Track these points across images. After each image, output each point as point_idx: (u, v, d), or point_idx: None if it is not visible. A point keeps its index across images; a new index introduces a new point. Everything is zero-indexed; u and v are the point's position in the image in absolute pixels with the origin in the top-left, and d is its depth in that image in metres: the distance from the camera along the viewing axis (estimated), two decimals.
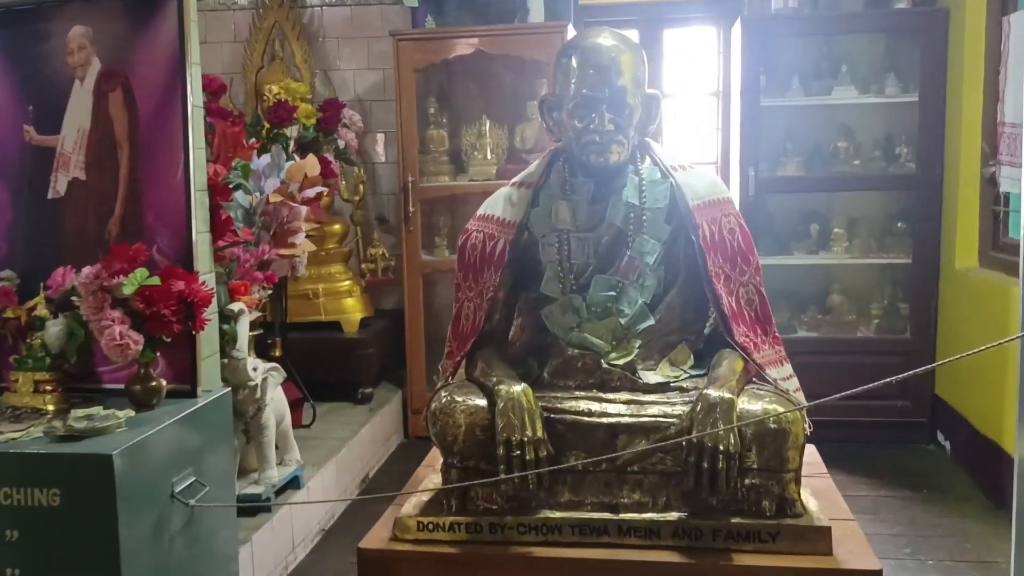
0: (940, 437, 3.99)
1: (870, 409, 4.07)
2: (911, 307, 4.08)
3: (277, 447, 2.94)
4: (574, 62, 2.08)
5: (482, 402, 1.98)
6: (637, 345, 2.10)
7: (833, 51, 4.15)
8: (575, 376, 2.09)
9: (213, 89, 3.57)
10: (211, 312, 2.13)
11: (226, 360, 2.63)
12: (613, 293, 2.09)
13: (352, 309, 4.22)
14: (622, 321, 2.09)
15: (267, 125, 3.52)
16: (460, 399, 2.00)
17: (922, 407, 4.07)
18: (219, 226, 2.47)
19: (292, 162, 3.31)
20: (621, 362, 2.09)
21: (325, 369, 4.06)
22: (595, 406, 2.00)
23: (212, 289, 2.12)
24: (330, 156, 3.76)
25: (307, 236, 3.70)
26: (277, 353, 3.79)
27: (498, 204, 2.22)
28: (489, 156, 4.29)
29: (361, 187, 4.42)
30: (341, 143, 3.87)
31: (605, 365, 2.06)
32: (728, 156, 4.44)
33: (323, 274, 4.24)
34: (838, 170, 4.12)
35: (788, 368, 2.18)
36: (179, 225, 2.17)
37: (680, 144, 4.58)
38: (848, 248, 4.14)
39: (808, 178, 4.13)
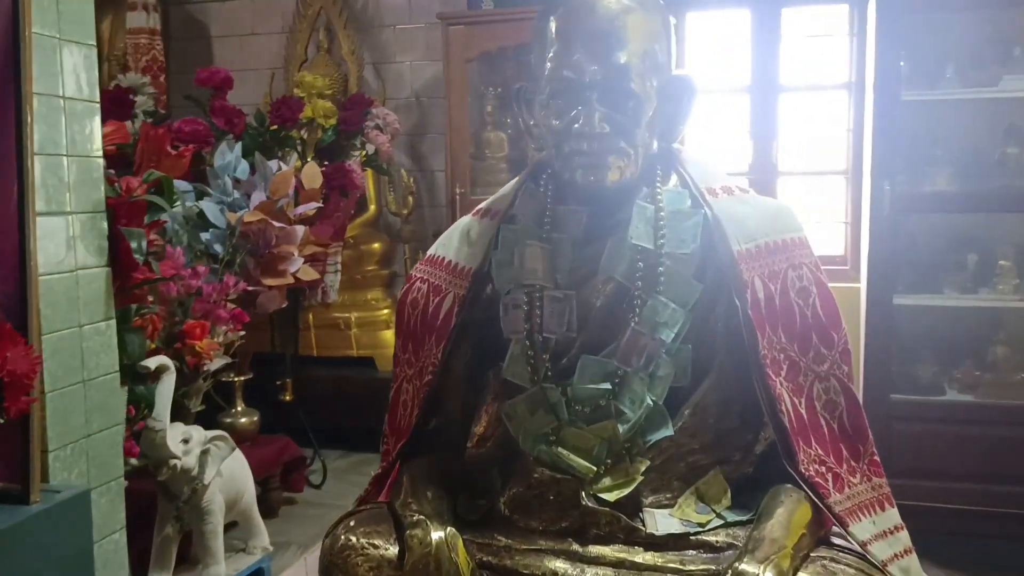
0: None
1: None
2: None
3: (234, 533, 2.33)
4: (552, 28, 1.35)
5: (391, 551, 1.30)
6: (643, 469, 1.35)
7: (1002, 29, 3.17)
8: (543, 512, 1.37)
9: (217, 83, 3.02)
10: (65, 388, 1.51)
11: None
12: (608, 386, 1.34)
13: (390, 343, 3.58)
14: (622, 429, 1.34)
15: (250, 126, 2.93)
16: (360, 543, 1.31)
17: None
18: (121, 258, 1.87)
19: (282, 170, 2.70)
20: (615, 496, 1.35)
21: (352, 414, 3.45)
22: (566, 569, 1.28)
23: (37, 358, 1.51)
24: (354, 163, 3.13)
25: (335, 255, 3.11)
26: (287, 396, 3.20)
27: (451, 241, 1.51)
28: None
29: (411, 199, 3.78)
30: (370, 147, 3.24)
31: (587, 502, 1.32)
32: (861, 165, 3.52)
33: (358, 301, 3.63)
34: (1004, 184, 3.13)
35: (892, 515, 1.37)
36: (11, 261, 1.57)
37: (802, 149, 3.70)
38: (1018, 287, 3.15)
39: (963, 194, 3.16)
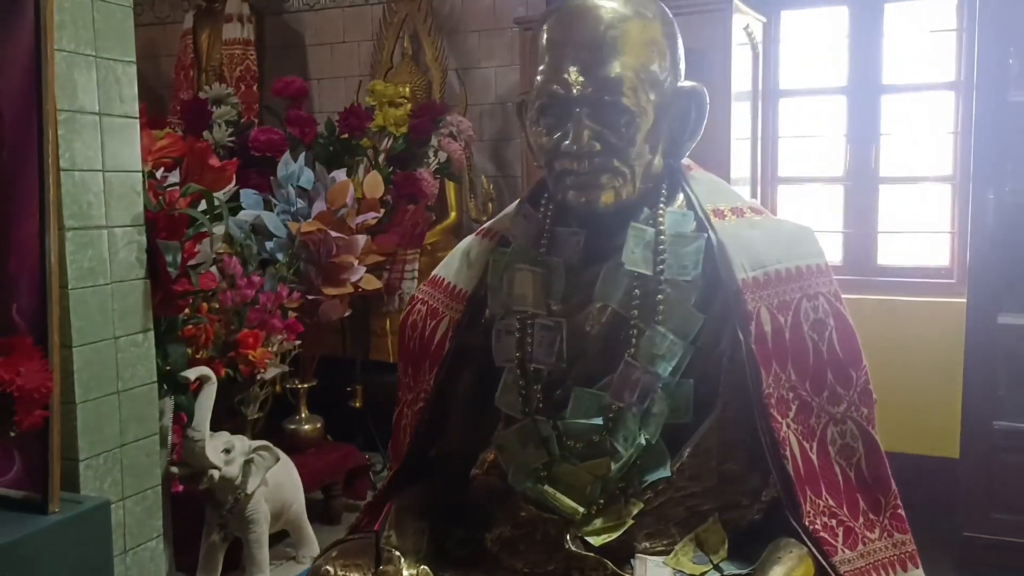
0: None
1: None
2: None
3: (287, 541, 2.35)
4: (544, 38, 1.27)
5: None
6: (636, 512, 1.26)
7: None
8: (529, 553, 1.30)
9: (291, 93, 3.07)
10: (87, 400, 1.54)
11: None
12: (599, 421, 1.26)
13: None
14: (615, 468, 1.25)
15: (321, 135, 2.94)
16: (338, 574, 1.27)
17: None
18: (160, 272, 1.90)
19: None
20: (602, 540, 1.26)
21: None
22: None
23: (49, 374, 1.54)
24: (425, 171, 3.11)
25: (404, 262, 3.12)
26: (357, 403, 3.22)
27: (453, 262, 1.46)
28: None
29: (491, 204, 3.73)
30: (442, 155, 3.22)
31: (572, 546, 1.24)
32: (969, 171, 3.25)
33: None
34: None
35: None
36: (35, 275, 1.61)
37: (905, 153, 3.44)
38: None
39: None
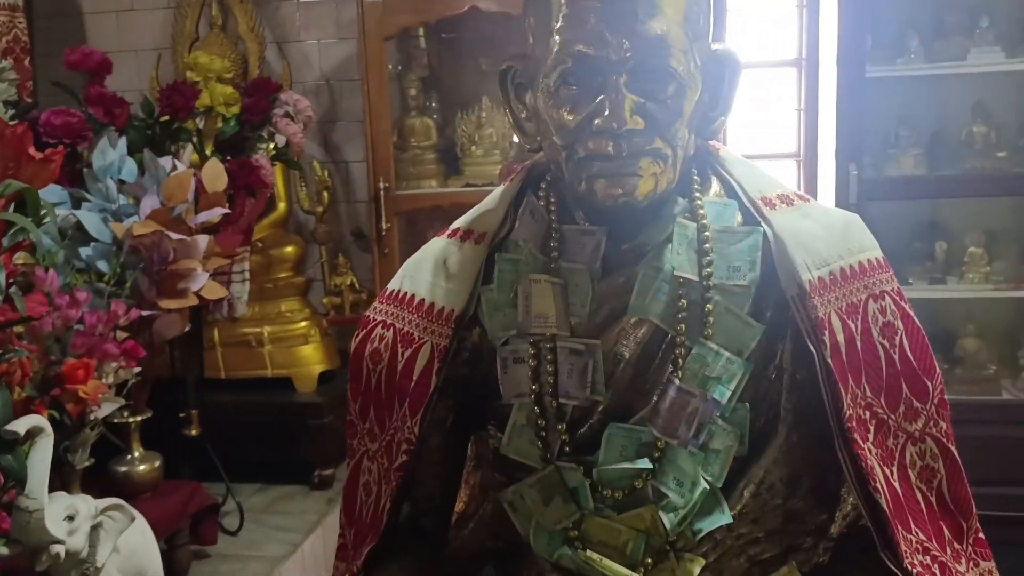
0: None
1: (1020, 500, 2.92)
2: None
3: None
4: None
5: None
6: (696, 572, 1.02)
7: None
8: None
9: (92, 67, 2.54)
10: None
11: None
12: (647, 463, 1.01)
13: (309, 360, 3.15)
14: (666, 519, 1.00)
15: (135, 117, 2.47)
16: None
17: None
18: None
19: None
20: None
21: (269, 443, 3.03)
22: None
23: None
24: (262, 158, 2.70)
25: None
26: (194, 432, 2.76)
27: (422, 273, 1.14)
28: (491, 152, 3.21)
29: (326, 194, 3.36)
30: (279, 139, 2.81)
31: None
32: (815, 148, 3.28)
33: (270, 314, 3.19)
34: (973, 166, 2.95)
35: None
36: None
37: (750, 131, 3.43)
38: (987, 275, 2.98)
39: (931, 178, 2.97)
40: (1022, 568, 2.76)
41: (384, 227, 3.12)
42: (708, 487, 1.01)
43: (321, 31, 3.55)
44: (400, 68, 3.39)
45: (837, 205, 2.95)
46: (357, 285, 3.38)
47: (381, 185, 3.10)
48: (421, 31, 3.32)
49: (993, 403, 2.97)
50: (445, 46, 3.49)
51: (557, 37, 0.98)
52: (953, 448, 1.07)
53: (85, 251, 2.17)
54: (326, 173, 3.36)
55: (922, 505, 1.05)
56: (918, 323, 1.08)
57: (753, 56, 3.42)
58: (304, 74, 3.55)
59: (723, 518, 1.02)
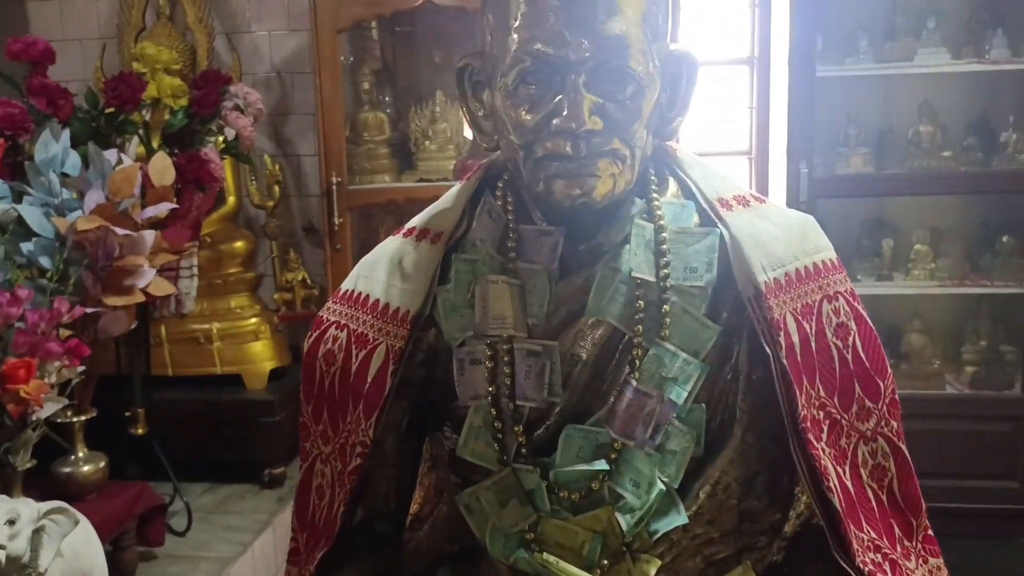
0: None
1: (962, 493, 2.98)
2: (1022, 353, 2.98)
3: None
4: None
5: None
6: (652, 572, 1.02)
7: (916, 1, 3.02)
8: None
9: (35, 56, 2.46)
10: None
11: None
12: (604, 464, 1.00)
13: (259, 357, 3.10)
14: (622, 520, 1.00)
15: (80, 108, 2.40)
16: None
17: None
18: None
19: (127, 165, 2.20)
20: None
21: (218, 441, 2.98)
22: None
23: None
24: (211, 151, 2.64)
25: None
26: (140, 430, 2.70)
27: (376, 273, 1.12)
28: (445, 148, 3.19)
29: (277, 188, 3.30)
30: (229, 132, 2.76)
31: None
32: (767, 147, 3.32)
33: (219, 310, 3.12)
34: (920, 165, 3.01)
35: None
36: None
37: (703, 130, 3.46)
38: (933, 272, 3.04)
39: (879, 177, 3.02)
40: (966, 559, 2.83)
41: (337, 222, 3.08)
42: (664, 488, 1.01)
43: (272, 22, 3.49)
44: (353, 60, 3.35)
45: (788, 203, 2.99)
46: (309, 281, 3.33)
47: (333, 180, 3.06)
48: (375, 24, 3.29)
49: (937, 397, 3.04)
50: (399, 39, 3.46)
51: (516, 36, 0.97)
52: (904, 447, 1.09)
53: (27, 246, 2.10)
54: (277, 167, 3.30)
55: (873, 503, 1.07)
56: (871, 324, 1.10)
57: (707, 54, 3.45)
58: (255, 66, 3.48)
59: (679, 519, 1.02)
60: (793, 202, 2.94)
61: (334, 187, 3.06)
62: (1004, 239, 3.01)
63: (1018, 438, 2.95)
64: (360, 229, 3.31)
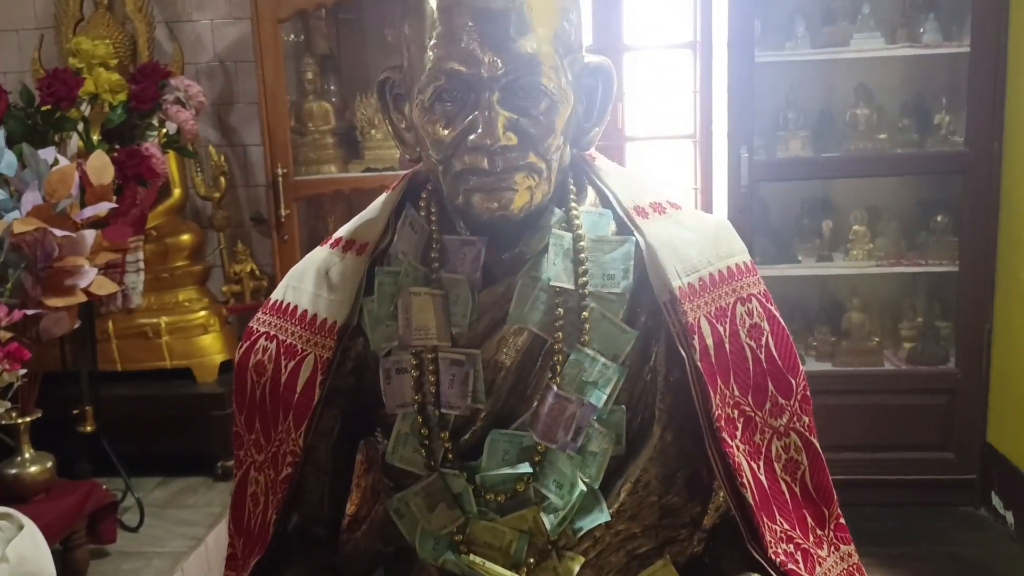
0: (997, 502, 3.02)
1: (901, 464, 3.08)
2: (956, 328, 3.08)
3: None
4: (431, 2, 1.00)
5: None
6: (576, 569, 1.06)
7: None
8: None
9: None
10: None
11: None
12: (528, 468, 1.04)
13: (209, 350, 3.10)
14: (547, 519, 1.04)
15: (15, 106, 2.37)
16: None
17: (970, 461, 3.08)
18: None
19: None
20: None
21: (169, 436, 2.98)
22: None
23: None
24: (152, 146, 2.63)
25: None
26: (89, 428, 2.70)
27: (304, 284, 1.14)
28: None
29: (223, 179, 3.28)
30: (171, 126, 2.74)
31: None
32: (710, 130, 3.37)
33: (167, 303, 3.12)
34: (856, 147, 3.07)
35: None
36: None
37: (649, 113, 3.49)
38: (871, 251, 3.12)
39: (817, 159, 3.08)
40: (905, 527, 2.94)
41: (284, 213, 3.08)
42: (586, 488, 1.05)
43: (214, 11, 3.45)
44: (297, 49, 3.33)
45: (729, 186, 3.04)
46: (257, 272, 3.33)
47: (279, 171, 3.05)
48: (323, 12, 3.26)
49: (876, 373, 3.13)
50: (344, 27, 3.44)
51: (431, 53, 0.99)
52: (815, 441, 1.13)
53: None
54: (222, 158, 3.28)
55: (787, 496, 1.11)
56: (783, 324, 1.14)
57: (651, 38, 3.48)
58: (197, 55, 3.45)
59: (602, 516, 1.06)
60: (735, 186, 3.00)
61: (280, 178, 3.05)
62: (938, 218, 3.09)
63: (953, 411, 3.05)
64: (308, 219, 3.31)
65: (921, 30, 2.98)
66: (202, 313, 3.14)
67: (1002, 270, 2.96)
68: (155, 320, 3.07)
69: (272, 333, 1.13)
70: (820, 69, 3.13)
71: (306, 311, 1.12)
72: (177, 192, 3.29)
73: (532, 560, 1.06)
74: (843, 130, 3.10)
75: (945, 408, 3.05)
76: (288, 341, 1.11)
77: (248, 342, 1.16)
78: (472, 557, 1.04)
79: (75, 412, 2.67)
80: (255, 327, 1.16)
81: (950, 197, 3.10)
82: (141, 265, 2.80)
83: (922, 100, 3.13)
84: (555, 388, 1.05)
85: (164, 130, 2.78)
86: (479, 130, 0.98)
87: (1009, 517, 2.94)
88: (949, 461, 3.09)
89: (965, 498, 3.09)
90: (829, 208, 3.22)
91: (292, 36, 3.30)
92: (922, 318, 3.18)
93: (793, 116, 3.09)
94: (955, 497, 3.09)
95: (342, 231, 1.17)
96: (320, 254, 1.16)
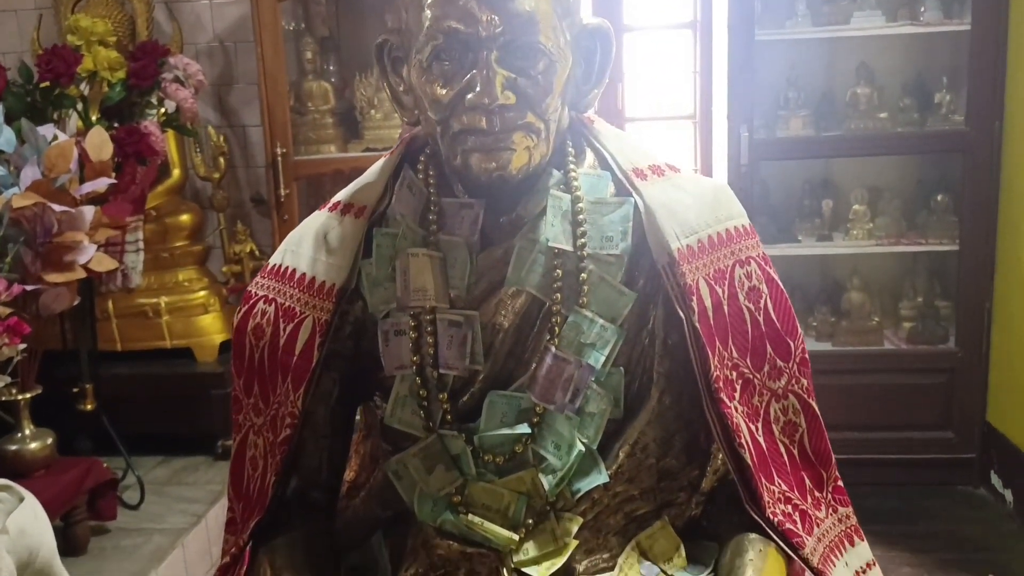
0: (996, 481, 3.02)
1: (900, 444, 3.09)
2: (956, 308, 3.07)
3: None
4: None
5: None
6: (574, 530, 1.06)
7: None
8: None
9: None
10: None
11: None
12: (526, 428, 1.05)
13: (209, 330, 3.11)
14: (545, 481, 1.05)
15: (14, 83, 2.37)
16: None
17: (969, 440, 3.09)
18: None
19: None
20: (545, 571, 1.05)
21: (169, 415, 2.99)
22: None
23: None
24: (151, 124, 2.62)
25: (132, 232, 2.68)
26: (89, 406, 2.70)
27: (302, 248, 1.14)
28: (391, 116, 3.18)
29: (222, 160, 3.28)
30: (170, 104, 2.73)
31: None
32: (710, 110, 3.36)
33: (167, 283, 3.13)
34: (857, 126, 3.06)
35: (863, 551, 1.16)
36: None
37: (649, 93, 3.48)
38: (871, 231, 3.11)
39: (818, 138, 3.07)
40: (905, 506, 2.94)
41: (283, 193, 3.07)
42: (584, 449, 1.05)
43: None
44: (297, 28, 3.32)
45: (729, 166, 3.04)
46: (257, 252, 3.32)
47: (279, 151, 3.04)
48: None
49: (877, 352, 3.12)
50: (344, 7, 3.43)
51: (428, 12, 0.99)
52: (814, 403, 1.14)
53: None
54: (222, 138, 3.28)
55: (785, 458, 1.12)
56: (782, 287, 1.14)
57: (651, 18, 3.47)
58: (196, 35, 3.44)
59: (600, 478, 1.07)
60: (735, 164, 2.99)
61: (279, 158, 3.05)
62: (939, 197, 3.08)
63: (953, 390, 3.05)
64: (308, 199, 3.30)
65: (922, 8, 2.96)
66: (202, 293, 3.14)
67: (1002, 249, 2.96)
68: (155, 300, 3.08)
69: (271, 296, 1.14)
70: (821, 48, 3.12)
71: (304, 274, 1.12)
72: (177, 172, 3.29)
73: (530, 521, 1.06)
74: (843, 109, 3.09)
75: (945, 387, 3.05)
76: (287, 304, 1.12)
77: (247, 306, 1.16)
78: (471, 517, 1.05)
79: (75, 390, 2.68)
80: (253, 291, 1.17)
81: (950, 176, 3.10)
82: (141, 245, 2.81)
83: (923, 79, 3.11)
84: (553, 349, 1.05)
85: (163, 109, 2.77)
86: (477, 89, 0.98)
87: (1008, 496, 2.94)
88: (949, 440, 3.09)
89: (964, 477, 3.09)
90: (829, 187, 3.22)
91: (294, 14, 3.29)
92: (922, 298, 3.17)
93: (793, 95, 3.08)
94: (954, 476, 3.09)
95: (340, 195, 1.17)
96: (319, 218, 1.16)
